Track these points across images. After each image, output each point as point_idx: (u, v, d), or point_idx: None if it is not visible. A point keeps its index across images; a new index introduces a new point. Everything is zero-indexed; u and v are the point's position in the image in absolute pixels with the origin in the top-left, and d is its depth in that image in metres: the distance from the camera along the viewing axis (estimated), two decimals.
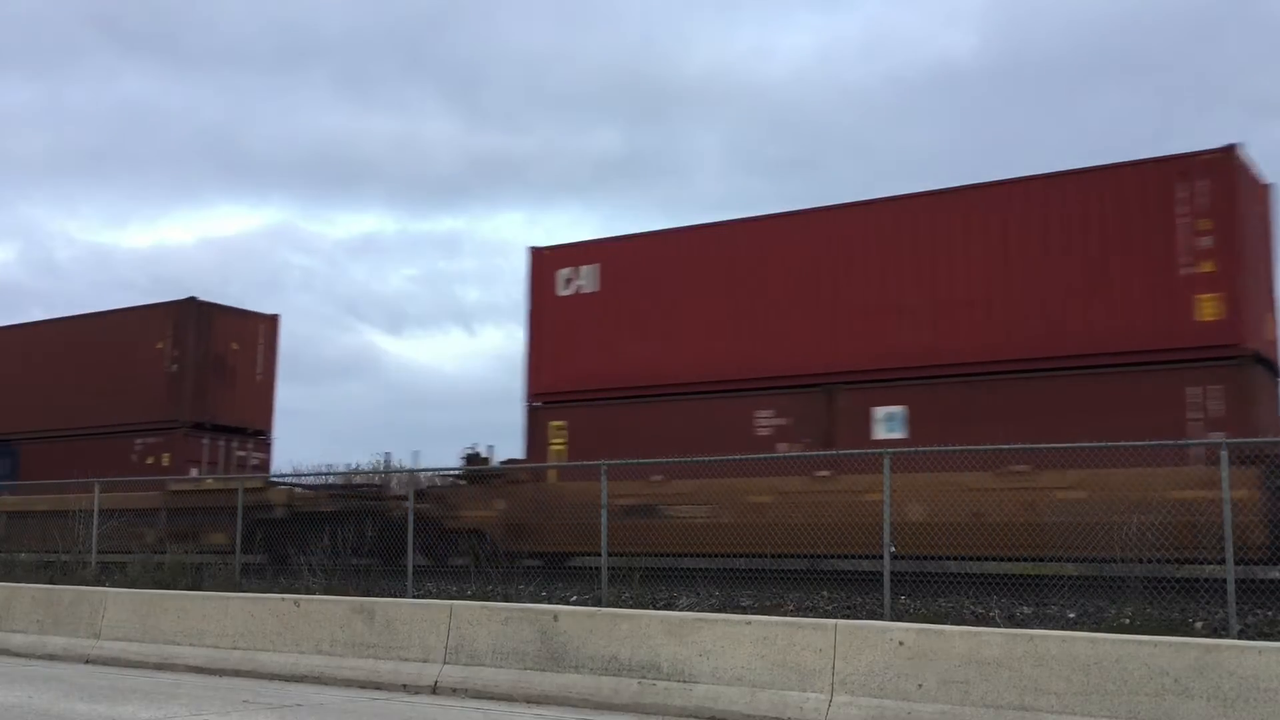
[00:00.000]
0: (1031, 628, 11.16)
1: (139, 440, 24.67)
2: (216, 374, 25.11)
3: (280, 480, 22.56)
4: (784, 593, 13.84)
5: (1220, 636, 10.09)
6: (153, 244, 74.12)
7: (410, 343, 74.12)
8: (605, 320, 18.96)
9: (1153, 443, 12.72)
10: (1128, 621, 10.92)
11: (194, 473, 23.79)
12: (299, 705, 10.62)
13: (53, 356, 26.72)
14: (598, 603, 13.26)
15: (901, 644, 9.33)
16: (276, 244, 74.19)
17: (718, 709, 9.85)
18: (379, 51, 71.57)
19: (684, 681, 10.16)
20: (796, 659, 9.71)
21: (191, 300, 25.11)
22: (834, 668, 9.51)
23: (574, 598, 14.22)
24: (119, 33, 71.59)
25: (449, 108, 75.04)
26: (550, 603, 13.37)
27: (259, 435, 26.25)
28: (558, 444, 19.07)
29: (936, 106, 64.47)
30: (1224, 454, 10.92)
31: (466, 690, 11.27)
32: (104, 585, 16.60)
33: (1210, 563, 11.85)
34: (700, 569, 15.89)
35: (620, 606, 12.71)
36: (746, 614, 11.52)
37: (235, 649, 13.15)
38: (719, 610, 12.90)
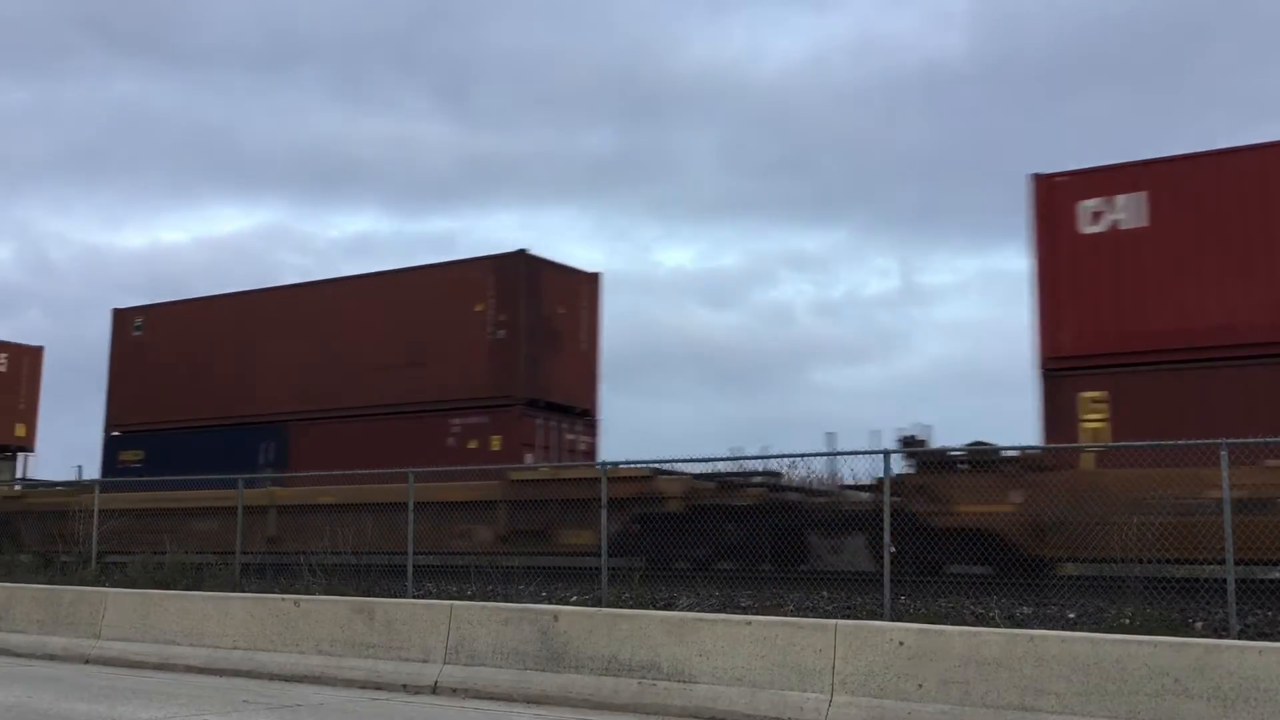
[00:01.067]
0: (1031, 628, 11.15)
1: (455, 420, 20.28)
2: (547, 342, 20.90)
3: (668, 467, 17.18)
4: (784, 593, 13.84)
5: (1220, 636, 10.09)
6: (148, 244, 74.14)
7: None
8: (1159, 261, 15.14)
9: (1153, 443, 12.64)
10: (1128, 621, 10.92)
11: (528, 459, 19.71)
12: (299, 705, 10.62)
13: (336, 322, 22.30)
14: (598, 603, 13.26)
15: (901, 644, 9.33)
16: (272, 244, 74.24)
17: (718, 709, 9.85)
18: (369, 52, 71.68)
19: (684, 681, 10.16)
20: (796, 659, 9.71)
21: (520, 253, 20.74)
22: (834, 668, 9.51)
23: (574, 598, 14.22)
24: (110, 34, 71.64)
25: (441, 109, 75.13)
26: (550, 603, 13.37)
27: (585, 415, 21.70)
28: (1094, 420, 15.08)
29: (927, 108, 64.60)
30: (1224, 454, 10.91)
31: (467, 690, 11.27)
32: (104, 585, 16.60)
33: (1211, 562, 11.84)
34: (702, 570, 15.88)
35: (620, 607, 12.71)
36: (746, 614, 11.52)
37: (235, 649, 13.15)
38: (719, 610, 12.89)
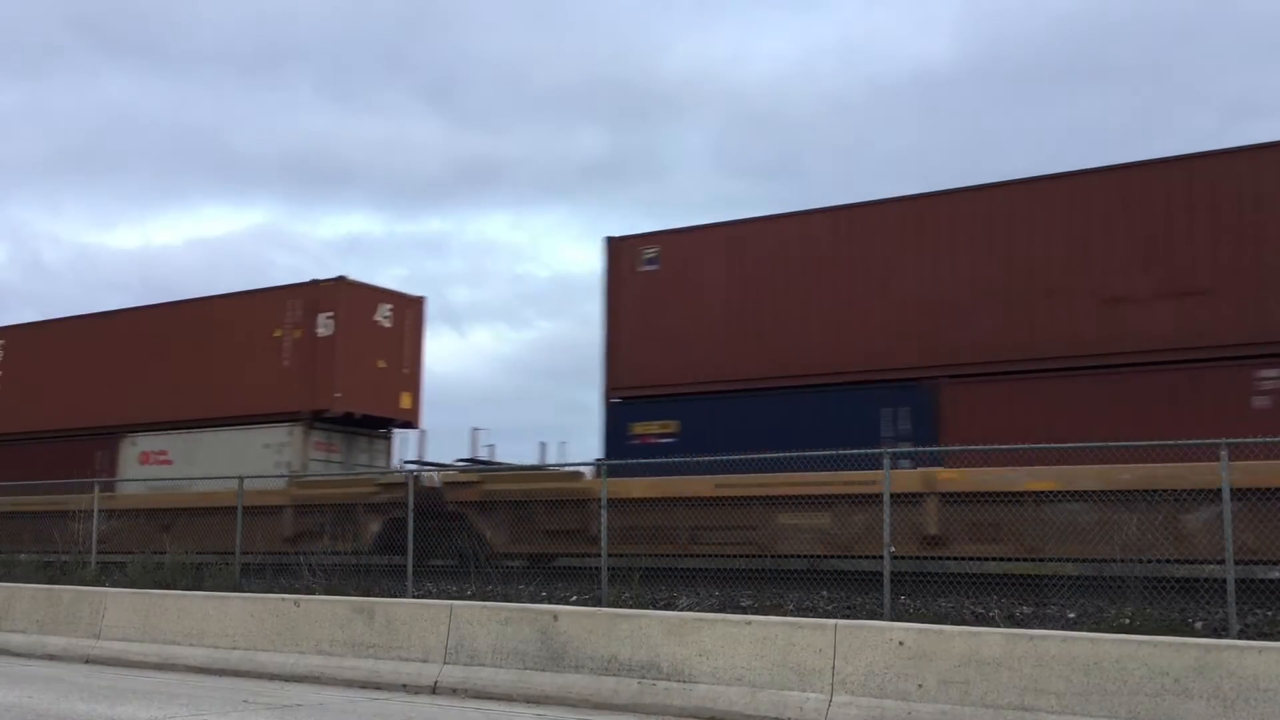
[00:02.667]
0: (1031, 628, 11.16)
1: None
2: None
3: None
4: (784, 593, 13.84)
5: (1220, 636, 10.09)
6: (140, 245, 74.22)
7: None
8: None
9: (1154, 442, 12.66)
10: (1128, 621, 10.92)
11: None
12: (299, 705, 10.62)
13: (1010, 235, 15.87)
14: (598, 603, 13.26)
15: (901, 644, 9.33)
16: (263, 244, 74.30)
17: (718, 709, 9.85)
18: (357, 54, 71.77)
19: (684, 681, 10.16)
20: (796, 659, 9.71)
21: None
22: (834, 668, 9.51)
23: (574, 598, 14.22)
24: (99, 35, 71.73)
25: (431, 110, 75.23)
26: (550, 603, 13.37)
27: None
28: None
29: (916, 110, 64.73)
30: (1224, 453, 10.91)
31: (466, 690, 11.27)
32: (104, 585, 16.61)
33: (1211, 562, 11.84)
34: (701, 569, 15.88)
35: (620, 606, 12.71)
36: (746, 614, 11.52)
37: (235, 649, 13.15)
38: (719, 610, 12.91)
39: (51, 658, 14.47)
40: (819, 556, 15.59)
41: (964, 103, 63.47)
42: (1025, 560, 14.12)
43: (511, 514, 17.88)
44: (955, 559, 14.77)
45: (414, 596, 14.26)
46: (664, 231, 18.51)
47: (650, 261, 18.49)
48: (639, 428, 18.09)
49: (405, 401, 23.53)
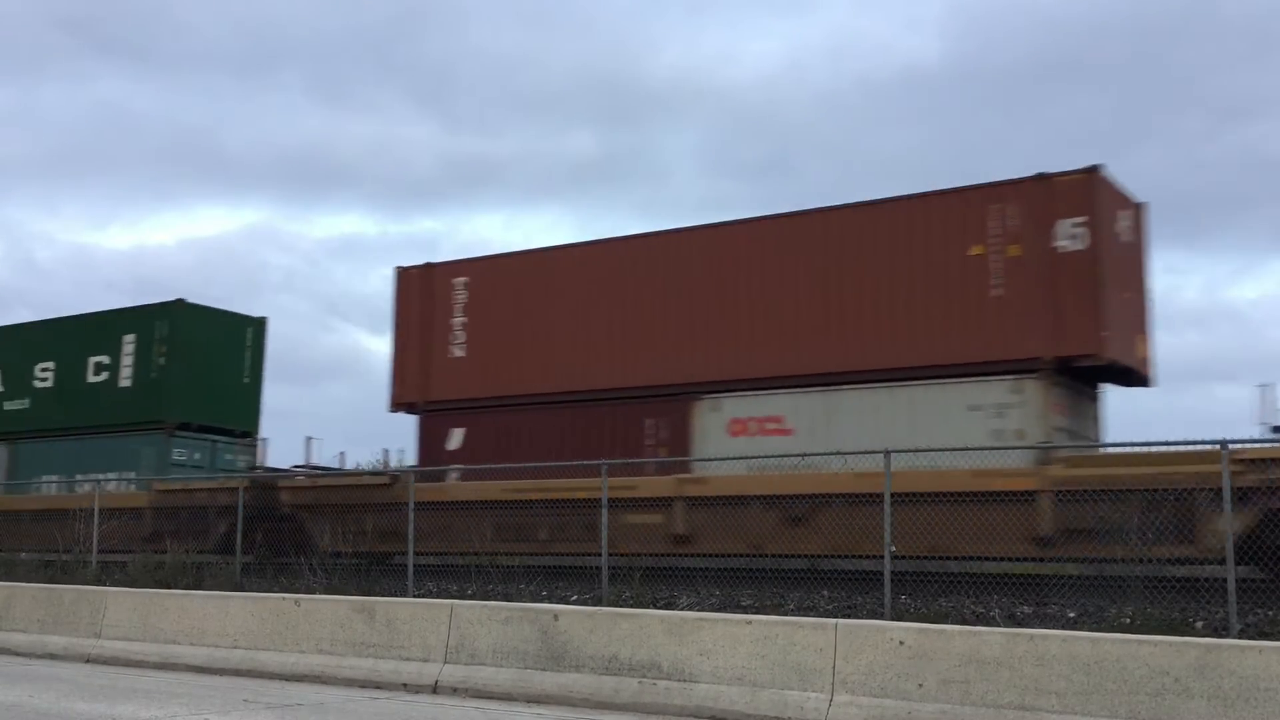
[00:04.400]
0: (1032, 627, 11.16)
1: None
2: None
3: None
4: (784, 592, 13.84)
5: (1221, 636, 10.10)
6: (134, 245, 74.40)
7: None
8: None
9: (1154, 442, 12.67)
10: (1128, 621, 10.93)
11: None
12: (299, 705, 10.62)
13: None
14: (598, 602, 13.27)
15: (902, 644, 9.33)
16: (257, 245, 74.44)
17: (718, 709, 9.85)
18: (348, 55, 71.94)
19: (684, 681, 10.16)
20: (797, 659, 9.71)
21: None
22: (834, 667, 9.51)
23: (574, 597, 14.23)
24: (90, 36, 71.88)
25: (422, 111, 75.40)
26: (551, 602, 13.37)
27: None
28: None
29: (905, 110, 64.91)
30: (1224, 453, 10.93)
31: (467, 690, 11.27)
32: (104, 585, 16.61)
33: (1211, 562, 11.85)
34: (700, 569, 15.89)
35: (620, 606, 12.71)
36: (747, 614, 11.52)
37: (236, 648, 13.15)
38: (719, 610, 12.91)
39: (52, 657, 14.47)
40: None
41: (954, 102, 63.69)
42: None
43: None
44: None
45: (415, 596, 14.27)
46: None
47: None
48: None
49: (1141, 348, 17.04)
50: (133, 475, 23.49)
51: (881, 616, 11.64)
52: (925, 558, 14.22)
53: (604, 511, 13.71)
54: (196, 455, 24.65)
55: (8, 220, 73.07)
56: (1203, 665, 8.25)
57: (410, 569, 14.75)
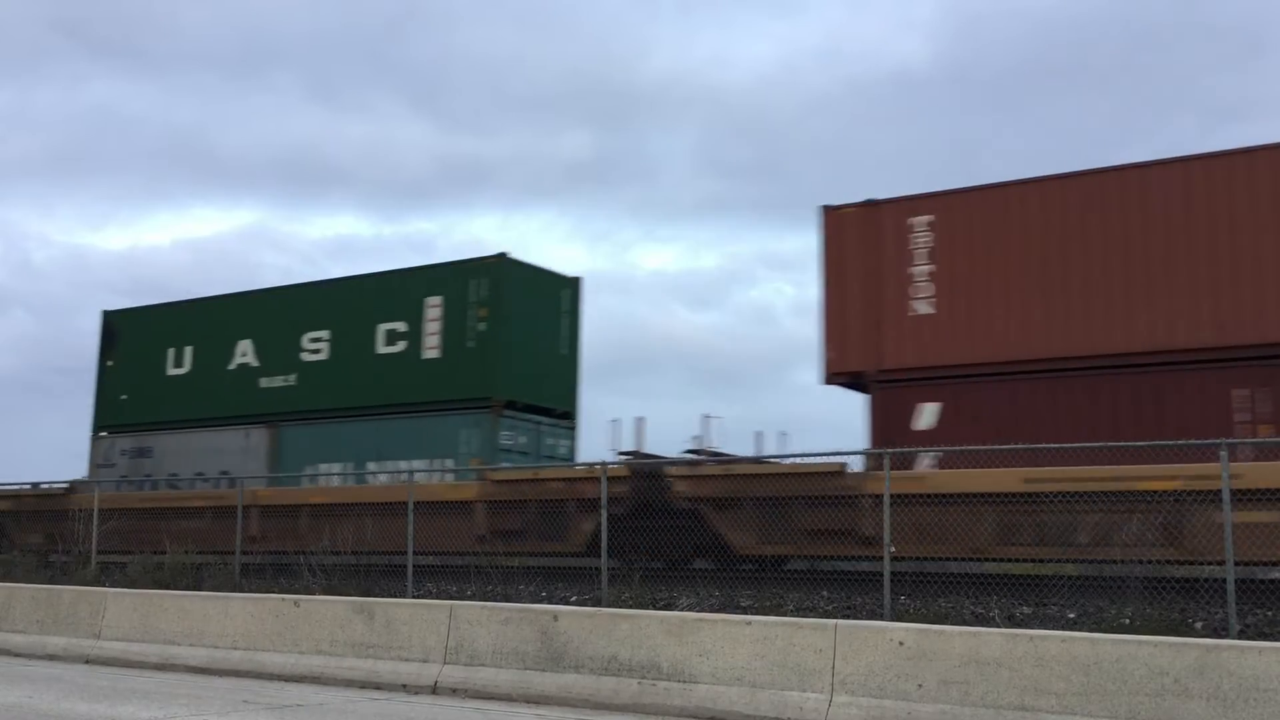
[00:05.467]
0: (1031, 628, 11.17)
1: None
2: None
3: None
4: (784, 593, 13.84)
5: (1220, 637, 10.10)
6: (129, 245, 74.41)
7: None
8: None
9: (1152, 442, 12.68)
10: (1128, 622, 10.93)
11: None
12: (299, 705, 10.62)
13: None
14: (598, 603, 13.27)
15: (901, 644, 9.33)
16: (253, 245, 74.47)
17: (718, 709, 9.85)
18: (341, 56, 72.00)
19: (684, 682, 10.16)
20: (796, 659, 9.71)
21: None
22: (834, 668, 9.51)
23: (574, 598, 14.22)
24: (83, 37, 71.94)
25: (416, 112, 75.45)
26: (550, 603, 13.38)
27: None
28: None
29: (897, 112, 65.02)
30: (1224, 453, 10.92)
31: (466, 690, 11.27)
32: (104, 585, 16.61)
33: (1211, 563, 11.84)
34: (700, 569, 15.89)
35: (620, 607, 12.71)
36: (746, 614, 11.52)
37: (235, 649, 13.15)
38: (719, 610, 12.91)
39: (52, 658, 14.46)
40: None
41: (946, 105, 63.83)
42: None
43: None
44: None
45: (414, 596, 14.27)
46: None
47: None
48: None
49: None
50: (448, 464, 19.39)
51: (881, 617, 11.64)
52: None
53: (603, 512, 13.69)
54: (521, 439, 20.35)
55: (3, 222, 73.14)
56: (1202, 666, 8.26)
57: (410, 569, 14.74)
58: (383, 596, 13.75)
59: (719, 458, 17.68)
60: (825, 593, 13.85)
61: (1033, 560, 14.00)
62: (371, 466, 20.12)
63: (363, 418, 20.89)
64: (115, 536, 19.15)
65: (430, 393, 20.33)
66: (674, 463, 17.18)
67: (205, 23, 67.50)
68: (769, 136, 68.56)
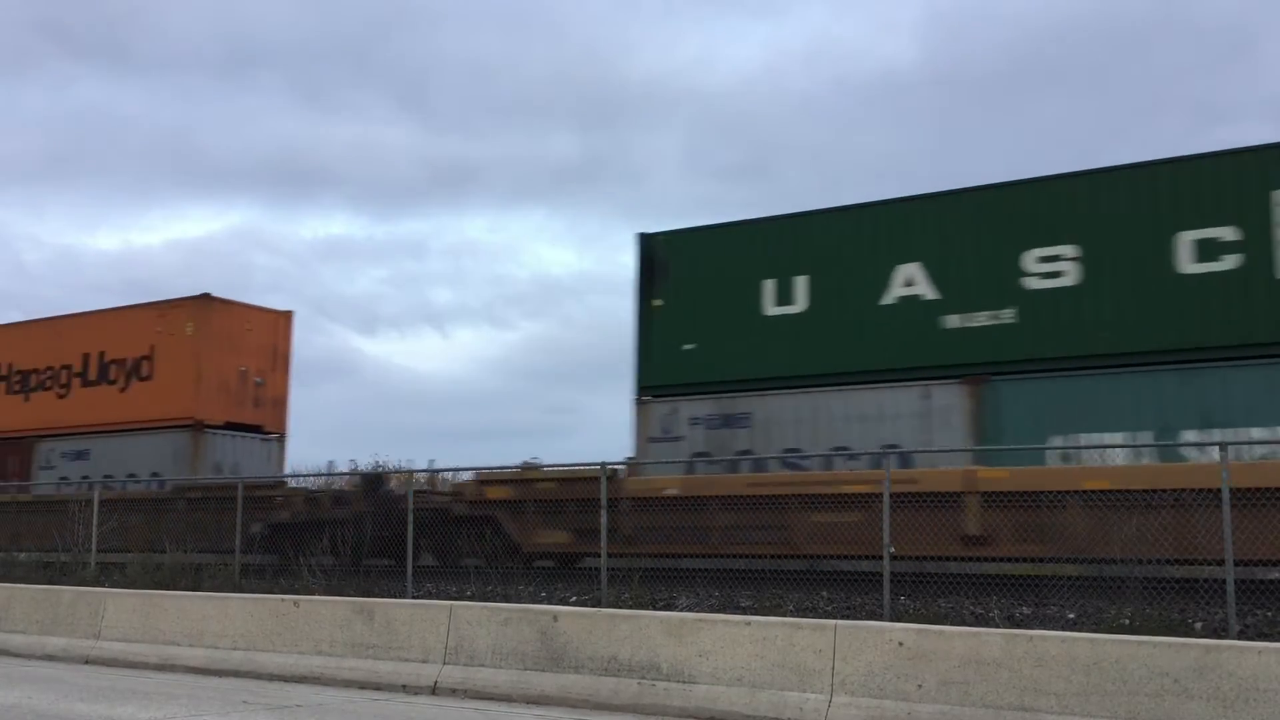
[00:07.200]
0: (1031, 628, 11.15)
1: None
2: None
3: None
4: (784, 593, 13.82)
5: (1220, 637, 10.09)
6: (121, 246, 74.50)
7: (387, 344, 74.30)
8: None
9: (1152, 443, 12.66)
10: (1127, 622, 10.92)
11: None
12: (299, 705, 10.62)
13: None
14: (597, 603, 13.25)
15: (901, 644, 9.33)
16: (244, 246, 74.55)
17: (717, 709, 9.85)
18: (327, 58, 72.20)
19: (684, 682, 10.16)
20: (796, 659, 9.71)
21: None
22: (834, 668, 9.51)
23: (574, 598, 14.21)
24: (69, 40, 72.18)
25: (403, 114, 75.62)
26: (550, 603, 13.37)
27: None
28: None
29: (883, 114, 65.11)
30: (1224, 453, 10.91)
31: (466, 690, 11.27)
32: (103, 585, 16.59)
33: (1211, 563, 11.83)
34: (700, 569, 15.86)
35: (620, 607, 12.70)
36: (746, 614, 11.51)
37: (235, 649, 13.14)
38: (719, 611, 12.89)
39: (51, 658, 14.46)
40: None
41: (931, 106, 63.94)
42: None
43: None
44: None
45: (413, 597, 14.25)
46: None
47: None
48: None
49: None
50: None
51: (881, 617, 11.62)
52: None
53: (604, 512, 13.67)
54: None
55: None
56: (1202, 666, 8.26)
57: (409, 570, 14.72)
58: (382, 597, 13.74)
59: None
60: (825, 593, 13.83)
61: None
62: (1189, 436, 14.31)
63: (1150, 368, 14.83)
64: (684, 532, 15.99)
65: None
66: None
67: (190, 25, 67.68)
68: (755, 137, 68.74)
